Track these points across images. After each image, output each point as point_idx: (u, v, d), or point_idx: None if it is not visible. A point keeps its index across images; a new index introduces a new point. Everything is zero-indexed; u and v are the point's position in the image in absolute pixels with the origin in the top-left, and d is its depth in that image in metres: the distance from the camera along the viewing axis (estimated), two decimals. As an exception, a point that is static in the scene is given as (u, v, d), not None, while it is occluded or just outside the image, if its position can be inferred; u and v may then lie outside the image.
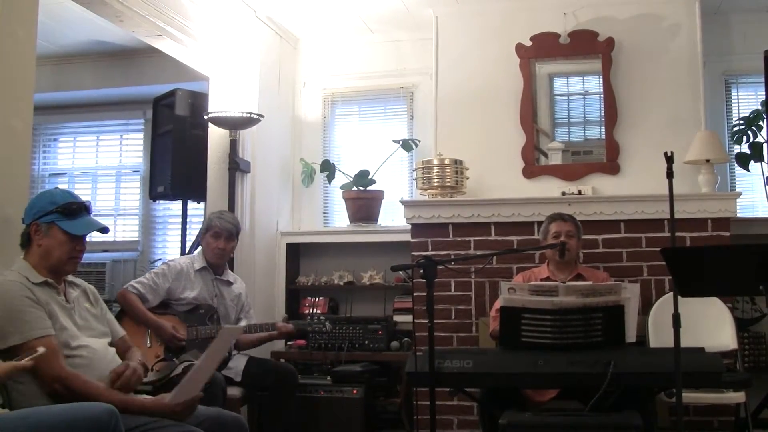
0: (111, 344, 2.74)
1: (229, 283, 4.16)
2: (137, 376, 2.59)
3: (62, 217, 2.58)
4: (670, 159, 2.90)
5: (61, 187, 2.75)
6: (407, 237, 4.80)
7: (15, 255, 2.64)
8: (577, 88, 5.09)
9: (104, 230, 2.70)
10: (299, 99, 5.78)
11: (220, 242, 4.08)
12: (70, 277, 2.73)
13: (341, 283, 5.32)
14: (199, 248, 4.23)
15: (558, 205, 4.42)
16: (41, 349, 2.22)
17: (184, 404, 2.50)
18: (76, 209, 2.62)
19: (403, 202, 4.84)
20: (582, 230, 4.05)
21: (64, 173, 6.86)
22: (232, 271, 4.34)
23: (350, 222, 5.40)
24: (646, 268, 4.44)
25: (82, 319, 2.65)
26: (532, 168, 4.92)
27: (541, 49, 4.98)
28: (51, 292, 2.56)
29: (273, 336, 4.11)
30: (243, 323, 4.11)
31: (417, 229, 4.76)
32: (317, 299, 5.39)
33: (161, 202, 5.95)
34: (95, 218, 2.73)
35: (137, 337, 3.70)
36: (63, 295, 2.62)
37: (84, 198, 2.76)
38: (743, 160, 4.81)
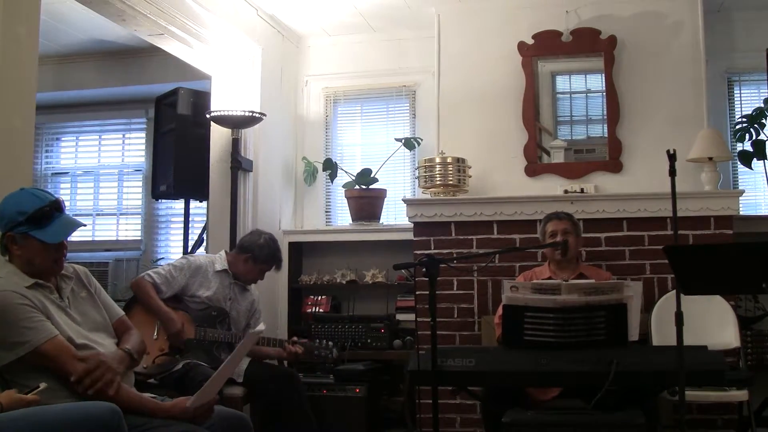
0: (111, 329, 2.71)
1: (246, 289, 4.15)
2: (111, 372, 2.41)
3: (34, 226, 2.43)
4: (672, 157, 2.90)
5: (34, 188, 2.59)
6: (409, 235, 4.80)
7: (3, 259, 2.56)
8: (580, 86, 5.08)
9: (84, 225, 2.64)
10: (301, 98, 5.77)
11: (263, 275, 4.15)
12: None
13: (344, 282, 5.32)
14: (221, 251, 4.19)
15: (560, 204, 4.42)
16: (43, 385, 2.23)
17: (202, 408, 2.50)
18: (47, 213, 2.47)
19: (405, 201, 4.83)
20: (580, 227, 4.05)
21: (67, 173, 6.86)
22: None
23: (352, 221, 5.40)
24: (649, 266, 4.44)
25: (80, 314, 2.60)
26: (535, 166, 4.92)
27: (544, 47, 4.98)
28: (44, 292, 2.49)
29: (281, 355, 4.03)
30: (261, 327, 4.11)
31: (419, 227, 4.76)
32: (320, 298, 5.39)
33: (164, 200, 5.94)
34: (70, 216, 2.60)
35: (145, 327, 3.69)
36: (56, 292, 2.55)
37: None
38: (746, 158, 4.80)
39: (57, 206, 2.52)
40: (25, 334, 2.33)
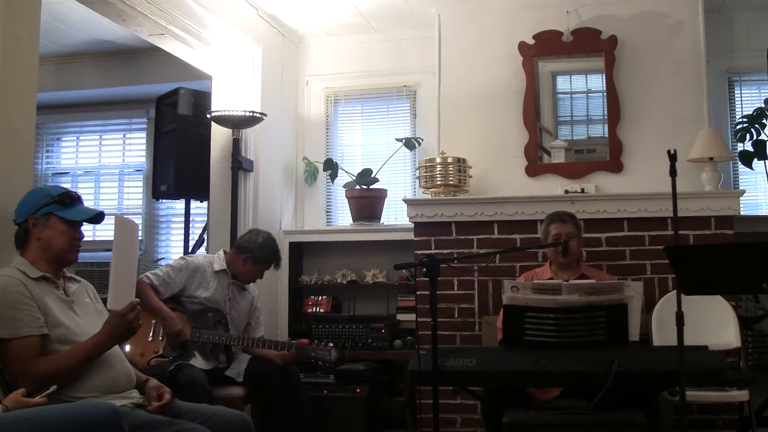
0: None
1: (244, 289, 4.15)
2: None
3: (60, 207, 2.63)
4: (673, 157, 2.90)
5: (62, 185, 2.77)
6: (410, 236, 4.80)
7: (16, 254, 2.65)
8: (580, 86, 5.08)
9: (101, 217, 2.72)
10: (302, 98, 5.77)
11: (263, 275, 4.16)
12: (70, 273, 2.74)
13: (344, 282, 5.32)
14: (220, 251, 4.18)
15: (561, 204, 4.41)
16: (53, 388, 2.26)
17: (129, 307, 2.53)
18: (72, 197, 2.68)
19: (406, 201, 4.83)
20: (583, 229, 4.04)
21: (68, 173, 6.88)
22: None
23: (353, 221, 5.40)
24: (650, 267, 4.43)
25: (83, 313, 2.65)
26: (535, 166, 4.91)
27: (544, 47, 4.98)
28: (49, 286, 2.57)
29: (274, 360, 3.97)
30: (260, 332, 4.16)
31: (420, 227, 4.76)
32: (320, 298, 5.39)
33: (164, 201, 5.95)
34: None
35: (141, 328, 3.68)
36: (62, 289, 2.63)
37: (87, 198, 2.78)
38: (746, 158, 4.80)
39: (80, 198, 2.75)
40: (8, 322, 2.40)
